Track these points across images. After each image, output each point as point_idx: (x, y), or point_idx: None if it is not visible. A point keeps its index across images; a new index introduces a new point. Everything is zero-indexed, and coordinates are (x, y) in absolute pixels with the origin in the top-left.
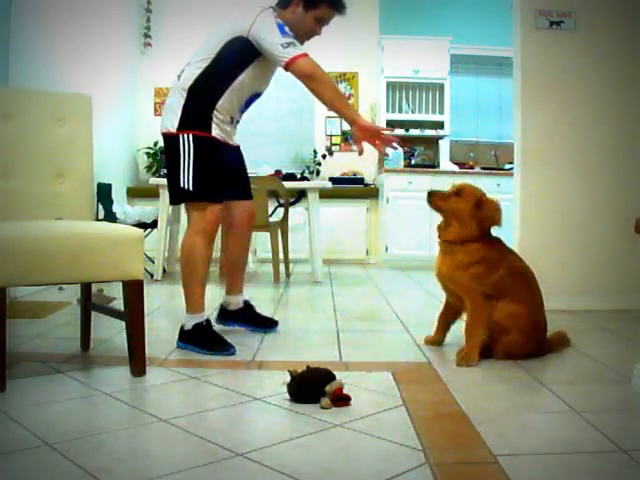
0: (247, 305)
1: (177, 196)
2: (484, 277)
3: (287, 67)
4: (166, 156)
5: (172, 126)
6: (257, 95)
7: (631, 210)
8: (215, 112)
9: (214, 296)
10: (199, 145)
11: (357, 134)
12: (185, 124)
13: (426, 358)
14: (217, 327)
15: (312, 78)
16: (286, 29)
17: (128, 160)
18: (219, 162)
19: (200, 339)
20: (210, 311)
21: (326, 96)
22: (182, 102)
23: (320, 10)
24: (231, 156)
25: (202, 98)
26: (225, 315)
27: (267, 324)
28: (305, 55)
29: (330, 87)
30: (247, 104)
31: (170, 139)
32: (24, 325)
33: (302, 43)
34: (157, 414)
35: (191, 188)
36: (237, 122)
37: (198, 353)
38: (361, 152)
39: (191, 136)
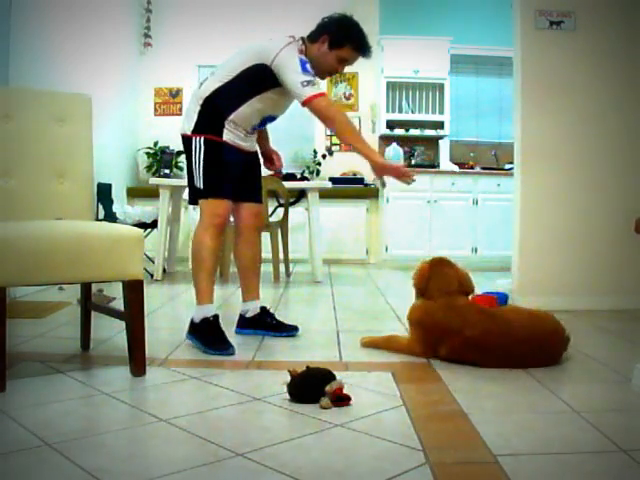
0: (264, 311)
1: (193, 195)
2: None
3: (304, 104)
4: (185, 158)
5: (188, 129)
6: (271, 118)
7: (631, 210)
8: (227, 121)
9: (216, 294)
10: (209, 147)
11: (377, 171)
12: (199, 128)
13: (426, 358)
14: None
15: (327, 117)
16: (308, 66)
17: (128, 160)
18: (228, 163)
19: (203, 335)
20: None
21: (342, 135)
22: (198, 109)
23: (344, 51)
24: (243, 159)
25: (216, 109)
26: (243, 323)
27: (286, 329)
28: (322, 95)
29: (346, 127)
30: (262, 124)
31: (186, 141)
32: (24, 325)
33: (323, 78)
34: (157, 414)
35: (201, 186)
36: (251, 134)
37: (199, 350)
38: (384, 185)
39: (202, 139)
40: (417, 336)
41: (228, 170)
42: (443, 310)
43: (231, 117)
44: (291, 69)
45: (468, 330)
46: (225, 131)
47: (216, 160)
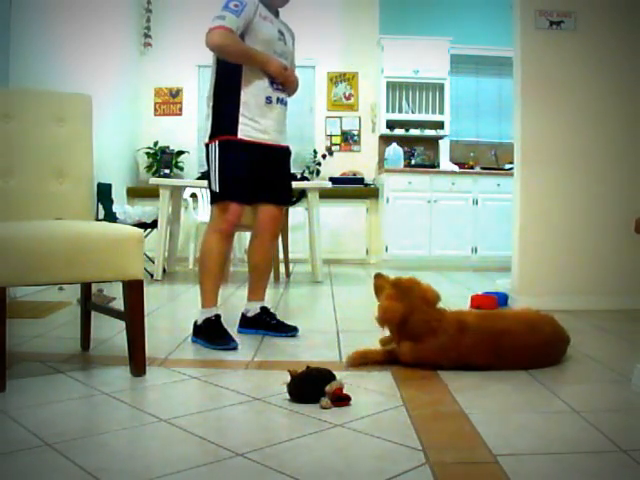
0: (264, 311)
1: (211, 198)
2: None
3: (206, 39)
4: (206, 165)
5: (206, 137)
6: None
7: (631, 210)
8: (242, 110)
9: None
10: (223, 149)
11: (275, 72)
12: (214, 131)
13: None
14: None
15: (219, 50)
16: (231, 4)
17: (128, 160)
18: (244, 163)
19: (206, 333)
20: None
21: (238, 61)
22: (211, 111)
23: None
24: (263, 157)
25: (227, 96)
26: (244, 322)
27: (285, 330)
28: (217, 28)
29: (238, 56)
30: (275, 85)
31: (206, 149)
32: (24, 325)
33: (282, 5)
34: (157, 414)
35: (217, 189)
36: (280, 101)
37: (204, 348)
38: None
39: (217, 143)
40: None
41: (244, 170)
42: (437, 345)
43: (242, 95)
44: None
45: (466, 339)
46: (240, 127)
47: (231, 161)
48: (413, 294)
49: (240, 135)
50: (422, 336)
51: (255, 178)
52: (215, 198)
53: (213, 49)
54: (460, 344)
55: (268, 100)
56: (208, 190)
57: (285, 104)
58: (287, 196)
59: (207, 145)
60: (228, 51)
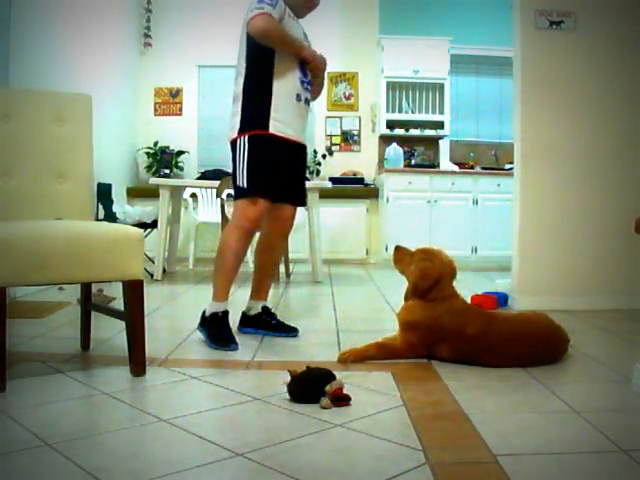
0: (265, 311)
1: (236, 193)
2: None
3: (248, 28)
4: (231, 161)
5: (233, 132)
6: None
7: (631, 210)
8: (273, 106)
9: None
10: (253, 144)
11: (309, 59)
12: (244, 126)
13: (426, 358)
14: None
15: (264, 34)
16: None
17: (128, 160)
18: (274, 158)
19: (210, 329)
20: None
21: (279, 46)
22: (240, 107)
23: None
24: (288, 154)
25: (258, 93)
26: (244, 321)
27: (285, 330)
28: (261, 14)
29: (281, 39)
30: (303, 71)
31: (232, 144)
32: (24, 325)
33: (303, 16)
34: (157, 414)
35: (245, 185)
36: (307, 101)
37: (205, 343)
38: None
39: (246, 137)
40: (415, 339)
41: (272, 166)
42: (449, 313)
43: (274, 95)
44: (250, 4)
45: (470, 329)
46: (272, 122)
47: (261, 156)
48: (443, 260)
49: (272, 130)
50: (437, 301)
51: (280, 176)
52: (241, 193)
53: (257, 34)
54: (464, 325)
55: (298, 97)
56: (232, 187)
57: (309, 105)
58: (304, 197)
59: (234, 141)
60: (272, 35)
